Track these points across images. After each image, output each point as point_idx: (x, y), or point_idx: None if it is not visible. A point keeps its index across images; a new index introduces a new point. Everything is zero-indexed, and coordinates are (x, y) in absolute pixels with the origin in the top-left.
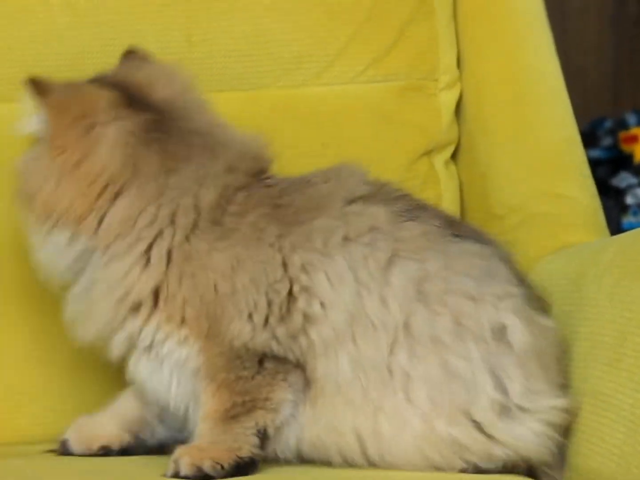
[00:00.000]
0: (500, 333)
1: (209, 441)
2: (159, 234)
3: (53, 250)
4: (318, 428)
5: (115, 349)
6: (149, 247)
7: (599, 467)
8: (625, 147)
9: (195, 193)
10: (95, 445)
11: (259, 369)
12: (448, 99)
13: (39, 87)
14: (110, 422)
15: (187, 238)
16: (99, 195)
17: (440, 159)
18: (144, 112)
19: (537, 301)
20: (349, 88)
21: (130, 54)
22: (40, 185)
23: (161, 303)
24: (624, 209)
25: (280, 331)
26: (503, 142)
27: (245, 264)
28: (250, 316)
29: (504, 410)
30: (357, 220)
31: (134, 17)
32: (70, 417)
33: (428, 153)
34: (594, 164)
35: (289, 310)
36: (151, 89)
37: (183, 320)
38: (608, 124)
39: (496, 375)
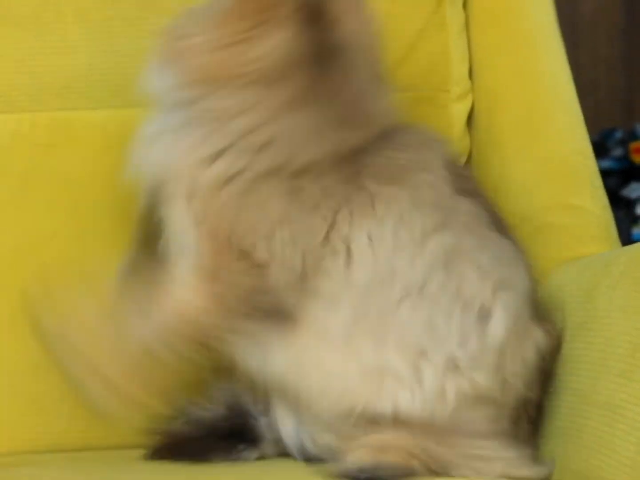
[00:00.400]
0: (484, 317)
1: None
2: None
3: None
4: (284, 361)
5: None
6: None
7: (610, 478)
8: (636, 158)
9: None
10: None
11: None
12: (460, 110)
13: None
14: None
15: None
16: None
17: None
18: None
19: (536, 311)
20: None
21: None
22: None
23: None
24: (635, 219)
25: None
26: (515, 153)
27: (292, 225)
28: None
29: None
30: (423, 192)
31: (147, 30)
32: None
33: None
34: (604, 174)
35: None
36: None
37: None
38: (618, 134)
39: (464, 339)
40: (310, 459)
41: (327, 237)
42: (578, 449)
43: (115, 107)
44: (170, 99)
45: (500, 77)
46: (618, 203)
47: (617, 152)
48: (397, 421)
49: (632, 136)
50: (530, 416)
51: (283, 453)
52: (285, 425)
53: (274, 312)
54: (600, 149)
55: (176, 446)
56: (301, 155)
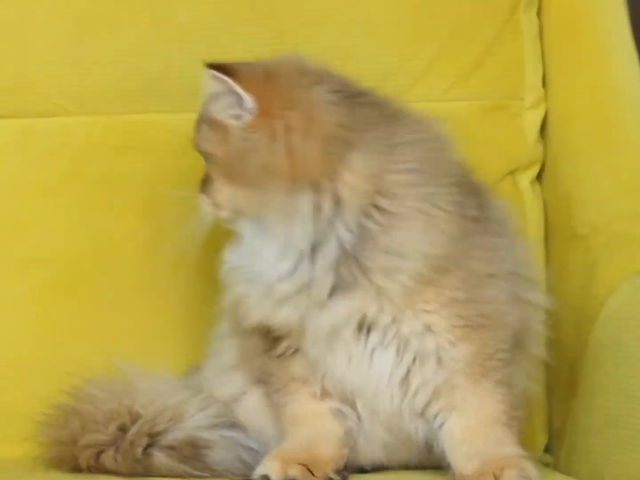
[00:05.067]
0: None
1: None
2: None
3: (296, 219)
4: None
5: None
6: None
7: None
8: None
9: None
10: (322, 471)
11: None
12: (533, 119)
13: (225, 69)
14: (322, 444)
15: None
16: (329, 150)
17: (525, 179)
18: (327, 78)
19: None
20: (433, 106)
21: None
22: (269, 154)
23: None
24: None
25: None
26: (588, 162)
27: None
28: None
29: None
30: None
31: (221, 32)
32: None
33: (512, 172)
34: None
35: None
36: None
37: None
38: None
39: None
40: None
41: None
42: (620, 444)
43: (189, 110)
44: None
45: (574, 85)
46: None
47: None
48: None
49: None
50: None
51: None
52: None
53: None
54: None
55: None
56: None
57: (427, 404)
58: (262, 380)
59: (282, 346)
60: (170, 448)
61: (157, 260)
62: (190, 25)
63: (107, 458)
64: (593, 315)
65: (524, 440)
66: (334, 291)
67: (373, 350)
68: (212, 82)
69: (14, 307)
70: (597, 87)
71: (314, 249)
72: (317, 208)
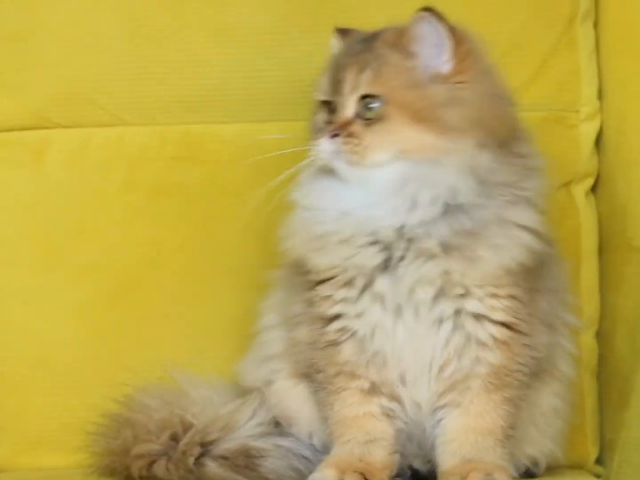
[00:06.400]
0: None
1: None
2: None
3: (468, 173)
4: None
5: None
6: None
7: None
8: None
9: None
10: (378, 478)
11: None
12: (588, 131)
13: (440, 16)
14: (375, 449)
15: None
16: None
17: (580, 190)
18: None
19: None
20: None
21: (344, 31)
22: (479, 108)
23: None
24: None
25: None
26: None
27: None
28: None
29: None
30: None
31: (278, 44)
32: None
33: (567, 184)
34: None
35: None
36: None
37: None
38: None
39: None
40: None
41: None
42: None
43: (245, 121)
44: None
45: (630, 98)
46: None
47: None
48: None
49: None
50: None
51: None
52: None
53: None
54: None
55: None
56: None
57: (441, 395)
58: (308, 375)
59: (334, 327)
60: (223, 458)
61: (208, 269)
62: (248, 36)
63: (160, 468)
64: None
65: (575, 451)
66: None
67: (435, 319)
68: (421, 24)
69: (69, 315)
70: None
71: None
72: (491, 170)
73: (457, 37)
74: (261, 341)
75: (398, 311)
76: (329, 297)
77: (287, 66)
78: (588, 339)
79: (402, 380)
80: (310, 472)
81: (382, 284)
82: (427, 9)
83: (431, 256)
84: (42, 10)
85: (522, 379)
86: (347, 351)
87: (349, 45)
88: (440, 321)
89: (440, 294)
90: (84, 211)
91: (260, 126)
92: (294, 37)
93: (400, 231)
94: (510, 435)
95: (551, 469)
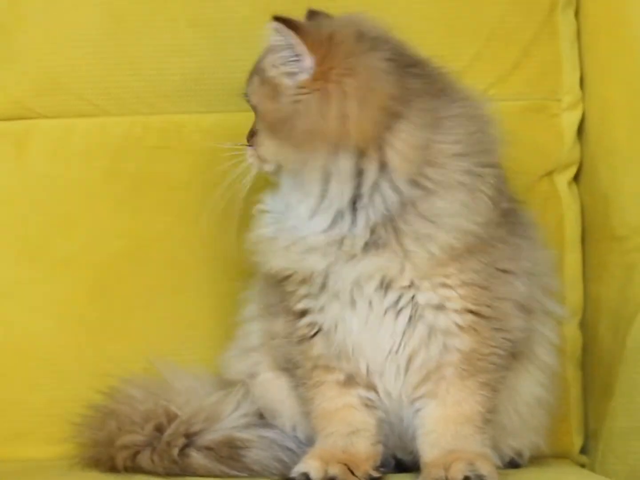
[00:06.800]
0: None
1: None
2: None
3: (335, 180)
4: None
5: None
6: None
7: None
8: None
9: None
10: (362, 469)
11: None
12: (570, 120)
13: (290, 24)
14: (358, 441)
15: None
16: (380, 119)
17: (563, 180)
18: (383, 45)
19: None
20: None
21: (314, 14)
22: (320, 117)
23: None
24: None
25: None
26: (626, 163)
27: None
28: None
29: None
30: None
31: (258, 34)
32: None
33: (549, 173)
34: None
35: None
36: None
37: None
38: None
39: None
40: None
41: None
42: None
43: (225, 111)
44: None
45: (612, 86)
46: None
47: None
48: None
49: None
50: None
51: None
52: None
53: None
54: None
55: None
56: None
57: (416, 387)
58: (287, 370)
59: (305, 322)
60: (207, 448)
61: (190, 258)
62: (228, 26)
63: (144, 458)
64: (631, 316)
65: (560, 441)
66: (364, 248)
67: (387, 310)
68: (273, 34)
69: (51, 307)
70: (635, 88)
71: (355, 208)
72: (359, 172)
73: (313, 43)
74: (242, 333)
75: (353, 304)
76: (293, 292)
77: None
78: (572, 329)
79: (368, 371)
80: (295, 463)
81: (334, 280)
82: (276, 18)
83: (354, 256)
84: (23, 1)
85: (498, 362)
86: (318, 345)
87: None
88: (396, 312)
89: (385, 287)
90: (65, 201)
91: (240, 116)
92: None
93: (325, 236)
94: (489, 419)
95: (536, 459)
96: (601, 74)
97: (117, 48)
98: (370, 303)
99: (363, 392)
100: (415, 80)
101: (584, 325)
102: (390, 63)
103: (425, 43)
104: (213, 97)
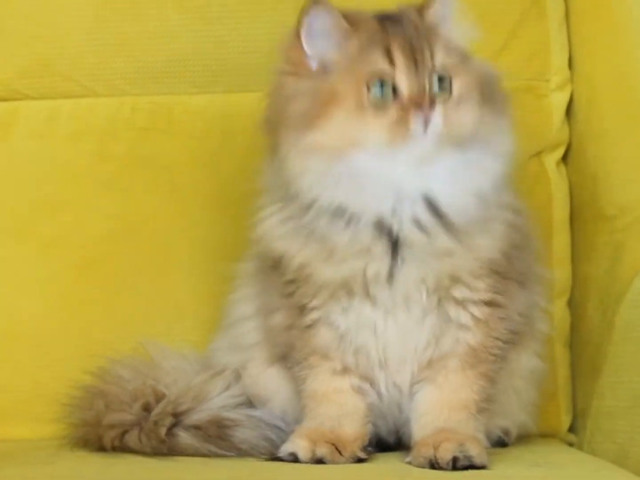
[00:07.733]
0: None
1: None
2: None
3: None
4: None
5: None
6: None
7: None
8: None
9: None
10: (349, 450)
11: None
12: (559, 100)
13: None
14: (347, 422)
15: None
16: None
17: (551, 160)
18: None
19: None
20: None
21: None
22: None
23: None
24: None
25: None
26: (615, 142)
27: None
28: None
29: None
30: None
31: (246, 15)
32: None
33: (538, 154)
34: None
35: None
36: None
37: None
38: None
39: None
40: None
41: None
42: None
43: (214, 92)
44: None
45: (600, 67)
46: None
47: None
48: None
49: None
50: None
51: None
52: None
53: None
54: None
55: None
56: None
57: (417, 375)
58: (284, 355)
59: (312, 317)
60: (195, 428)
61: (178, 240)
62: (217, 7)
63: (132, 438)
64: (619, 295)
65: (548, 420)
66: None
67: (426, 311)
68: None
69: (39, 288)
70: (623, 69)
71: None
72: None
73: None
74: (237, 332)
75: (389, 309)
76: (306, 292)
77: (255, 37)
78: (560, 309)
79: (382, 365)
80: (283, 442)
81: (378, 289)
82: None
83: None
84: None
85: (497, 353)
86: (324, 336)
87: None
88: (427, 312)
89: (432, 291)
90: (53, 183)
91: (229, 97)
92: (264, 7)
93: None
94: (484, 408)
95: (524, 437)
96: (589, 55)
97: (105, 28)
98: (409, 307)
99: (356, 381)
100: None
101: (572, 304)
102: None
103: None
104: (202, 78)
